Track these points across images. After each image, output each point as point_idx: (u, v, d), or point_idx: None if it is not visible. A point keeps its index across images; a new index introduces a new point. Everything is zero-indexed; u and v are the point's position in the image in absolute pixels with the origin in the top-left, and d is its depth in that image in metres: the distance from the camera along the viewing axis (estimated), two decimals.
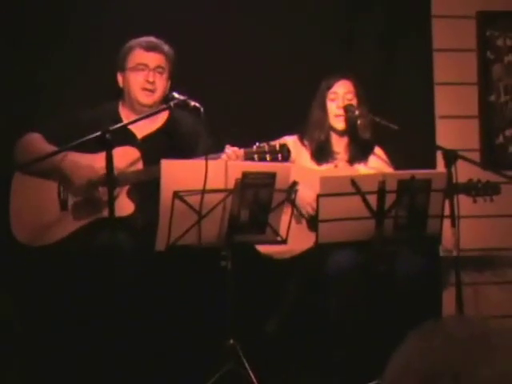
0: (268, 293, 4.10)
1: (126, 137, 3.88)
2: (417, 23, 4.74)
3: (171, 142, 3.99)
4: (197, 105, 3.67)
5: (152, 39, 4.02)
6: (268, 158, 3.70)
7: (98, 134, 3.46)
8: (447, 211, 3.78)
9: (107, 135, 3.44)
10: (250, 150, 3.72)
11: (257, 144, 3.71)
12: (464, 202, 3.98)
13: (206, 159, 3.49)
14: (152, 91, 3.97)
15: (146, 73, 3.97)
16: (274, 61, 4.50)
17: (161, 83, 3.98)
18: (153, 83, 3.96)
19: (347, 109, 4.14)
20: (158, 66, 3.99)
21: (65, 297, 3.83)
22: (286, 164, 3.72)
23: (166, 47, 4.01)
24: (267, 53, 4.50)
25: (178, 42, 4.10)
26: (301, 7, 4.58)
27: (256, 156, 3.70)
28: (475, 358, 1.13)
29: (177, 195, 3.44)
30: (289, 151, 3.73)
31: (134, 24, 4.29)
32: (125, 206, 3.80)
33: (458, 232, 3.75)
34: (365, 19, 4.68)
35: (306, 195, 3.96)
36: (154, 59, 3.98)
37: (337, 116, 4.18)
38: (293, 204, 3.73)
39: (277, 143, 3.75)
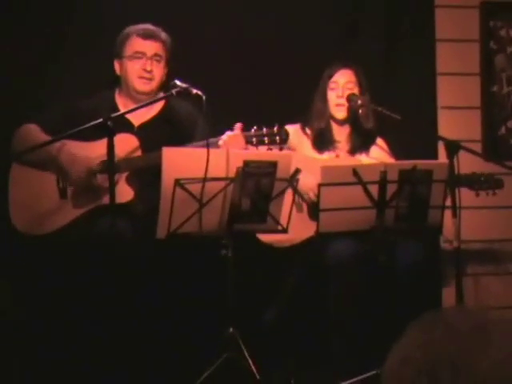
0: (268, 281, 4.10)
1: (122, 125, 3.88)
2: (419, 12, 4.73)
3: (168, 130, 3.99)
4: (199, 93, 3.66)
5: (149, 27, 4.01)
6: (266, 141, 3.69)
7: (100, 120, 3.46)
8: (449, 202, 3.78)
9: (109, 122, 3.44)
10: (248, 133, 3.71)
11: (255, 127, 3.70)
12: (465, 193, 3.98)
13: (208, 147, 3.48)
14: (149, 79, 3.97)
15: (143, 61, 3.97)
16: (276, 49, 4.50)
17: (158, 71, 3.99)
18: (150, 71, 3.96)
19: (350, 98, 4.14)
20: (156, 54, 3.99)
21: (65, 285, 3.83)
22: (287, 153, 3.72)
23: (163, 35, 4.01)
24: (269, 41, 4.49)
25: (178, 29, 4.09)
26: None
27: (254, 139, 3.69)
28: (474, 349, 1.13)
29: (178, 183, 3.44)
30: (287, 134, 3.72)
31: (133, 12, 4.27)
32: (124, 192, 3.79)
33: (458, 223, 3.75)
34: (367, 9, 4.67)
35: (308, 181, 3.96)
36: (151, 47, 3.98)
37: (337, 105, 4.17)
38: (295, 190, 3.74)
39: (275, 127, 3.74)
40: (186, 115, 4.01)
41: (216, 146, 3.68)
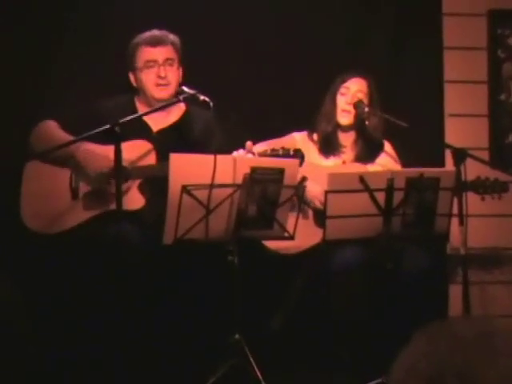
0: (274, 288, 4.10)
1: (141, 129, 3.90)
2: (427, 21, 4.73)
3: (185, 137, 4.00)
4: (206, 99, 3.67)
5: (155, 33, 4.01)
6: None
7: (107, 126, 3.47)
8: (455, 209, 3.78)
9: (116, 128, 3.45)
10: (263, 152, 3.72)
11: (271, 149, 3.70)
12: (472, 201, 3.97)
13: (215, 154, 3.49)
14: (166, 85, 3.97)
15: (156, 69, 3.97)
16: (282, 57, 4.51)
17: (173, 75, 3.99)
18: (165, 78, 3.96)
19: (357, 105, 4.14)
20: (167, 59, 3.99)
21: (70, 287, 3.83)
22: (294, 160, 3.71)
23: (171, 37, 4.01)
24: (276, 48, 4.50)
25: (185, 35, 4.08)
26: (312, 5, 4.58)
27: None
28: (479, 359, 1.13)
29: (185, 189, 3.45)
30: (303, 157, 3.71)
31: (145, 13, 4.29)
32: (135, 199, 3.80)
33: (465, 231, 3.75)
34: (375, 16, 4.67)
35: (314, 189, 3.96)
36: (161, 53, 3.98)
37: (343, 111, 4.18)
38: (301, 198, 3.73)
39: (291, 148, 3.74)
40: (205, 124, 4.02)
41: None
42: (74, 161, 3.84)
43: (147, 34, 4.01)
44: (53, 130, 3.89)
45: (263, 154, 3.70)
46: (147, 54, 3.99)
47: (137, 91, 4.07)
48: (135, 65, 4.01)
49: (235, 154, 3.70)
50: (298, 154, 3.69)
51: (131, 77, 4.05)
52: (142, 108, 4.02)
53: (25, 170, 3.91)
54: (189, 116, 4.06)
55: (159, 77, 3.96)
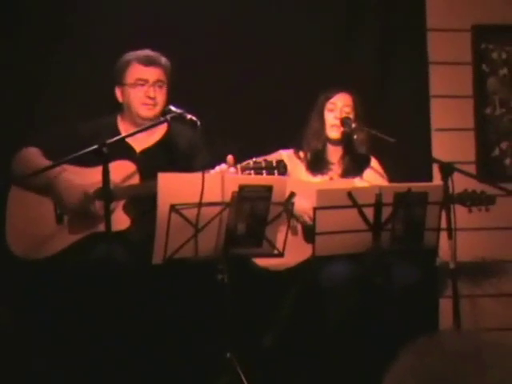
0: (265, 305, 4.10)
1: (124, 150, 3.88)
2: (412, 36, 4.76)
3: (169, 156, 3.99)
4: (193, 118, 3.67)
5: (149, 53, 4.00)
6: (264, 174, 3.68)
7: (95, 147, 3.46)
8: (444, 223, 3.79)
9: (104, 148, 3.44)
10: (246, 165, 3.70)
11: (253, 159, 3.70)
12: (460, 215, 3.98)
13: (203, 173, 3.49)
14: (153, 105, 3.96)
15: (146, 88, 3.96)
16: (271, 74, 4.52)
17: (161, 97, 3.97)
18: (154, 98, 3.95)
19: (344, 122, 4.16)
20: (158, 80, 3.98)
21: (60, 311, 3.82)
22: (282, 177, 3.71)
23: (163, 60, 4.01)
24: (265, 66, 4.52)
25: (176, 54, 4.09)
26: (298, 21, 4.60)
27: (252, 172, 3.69)
28: (469, 373, 1.14)
29: (173, 208, 3.44)
30: (285, 168, 3.71)
31: (131, 36, 4.28)
32: (121, 220, 3.79)
33: (454, 245, 3.76)
34: (361, 32, 4.70)
35: (302, 204, 3.96)
36: (153, 74, 3.97)
37: (332, 126, 4.20)
38: (290, 214, 3.74)
39: (274, 159, 3.74)
40: (188, 142, 4.01)
41: None
42: (52, 191, 3.82)
43: (141, 53, 3.99)
44: (34, 158, 3.87)
45: (246, 167, 3.69)
46: (139, 71, 3.98)
47: (121, 108, 4.06)
48: (124, 80, 3.99)
49: (217, 168, 3.70)
50: (281, 165, 3.69)
51: (118, 92, 4.03)
52: (124, 128, 4.00)
53: (9, 198, 3.90)
54: (172, 134, 4.05)
55: (148, 97, 3.95)
